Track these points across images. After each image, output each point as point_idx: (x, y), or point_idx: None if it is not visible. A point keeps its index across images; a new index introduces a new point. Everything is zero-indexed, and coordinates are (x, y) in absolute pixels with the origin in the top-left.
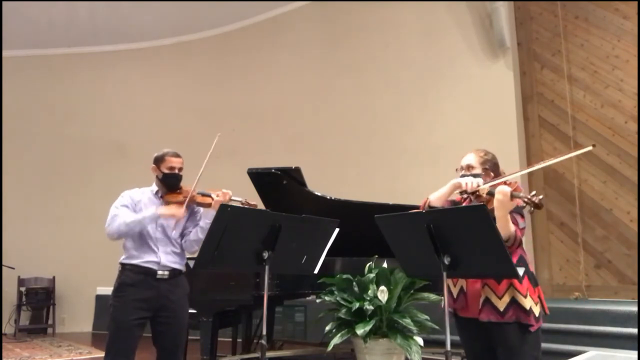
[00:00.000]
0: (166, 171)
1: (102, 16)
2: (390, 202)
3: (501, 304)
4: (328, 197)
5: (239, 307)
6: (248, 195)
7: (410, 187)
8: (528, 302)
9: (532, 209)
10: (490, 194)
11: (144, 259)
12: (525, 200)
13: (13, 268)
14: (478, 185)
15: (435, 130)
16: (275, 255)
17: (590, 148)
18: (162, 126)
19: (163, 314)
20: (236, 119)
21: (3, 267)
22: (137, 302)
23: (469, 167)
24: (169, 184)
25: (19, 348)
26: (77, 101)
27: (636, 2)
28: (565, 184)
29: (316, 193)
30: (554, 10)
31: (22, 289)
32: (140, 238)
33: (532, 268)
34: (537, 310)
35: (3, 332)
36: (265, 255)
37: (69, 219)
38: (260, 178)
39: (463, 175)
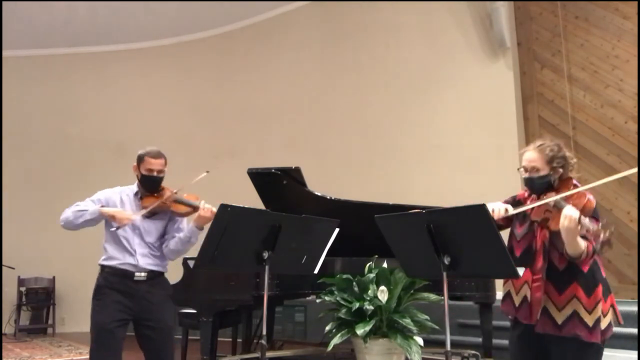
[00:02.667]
0: (144, 173)
1: (102, 16)
2: (390, 202)
3: (560, 317)
4: (328, 197)
5: (239, 307)
6: (248, 195)
7: (410, 187)
8: (593, 317)
9: (599, 247)
10: (558, 207)
11: (122, 261)
12: (591, 233)
13: (13, 268)
14: (506, 211)
15: (435, 130)
16: (275, 255)
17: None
18: (162, 126)
19: (146, 317)
20: (236, 119)
21: (3, 267)
22: (115, 303)
23: (534, 169)
24: (146, 187)
25: (19, 348)
26: (77, 101)
27: (636, 2)
28: None
29: (316, 193)
30: (554, 10)
31: (22, 289)
32: (119, 240)
33: (603, 272)
34: (605, 323)
35: (3, 332)
36: (265, 255)
37: None
38: (260, 178)
39: (529, 178)
